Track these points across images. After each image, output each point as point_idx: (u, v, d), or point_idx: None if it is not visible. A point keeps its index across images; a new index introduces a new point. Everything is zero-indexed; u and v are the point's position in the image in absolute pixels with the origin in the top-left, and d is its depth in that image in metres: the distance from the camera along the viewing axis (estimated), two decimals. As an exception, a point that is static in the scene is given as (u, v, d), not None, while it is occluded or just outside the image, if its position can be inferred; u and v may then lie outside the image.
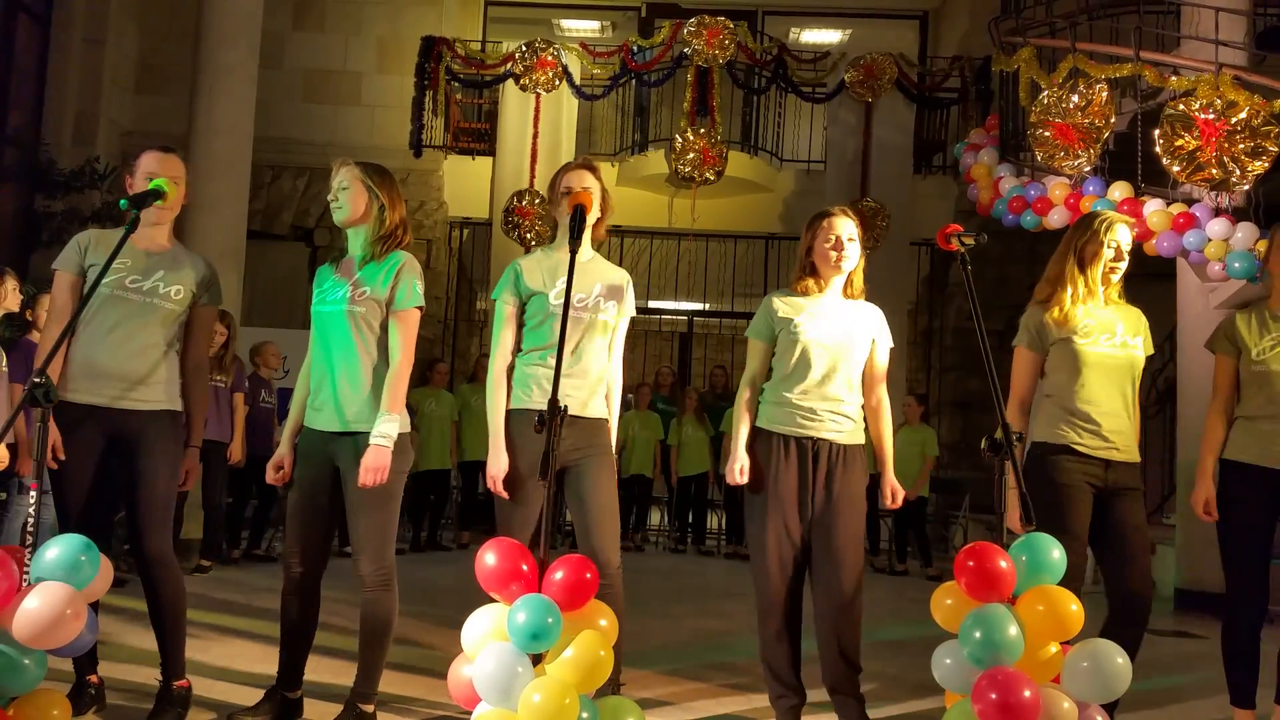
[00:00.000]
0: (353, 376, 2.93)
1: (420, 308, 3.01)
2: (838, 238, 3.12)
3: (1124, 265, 3.13)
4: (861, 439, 3.17)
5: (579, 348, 3.07)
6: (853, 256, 3.14)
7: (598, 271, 3.17)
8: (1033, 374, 3.20)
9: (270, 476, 3.11)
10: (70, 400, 2.94)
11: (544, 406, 2.90)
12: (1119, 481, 3.07)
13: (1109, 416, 3.06)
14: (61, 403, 2.94)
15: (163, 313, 2.99)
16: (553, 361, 2.99)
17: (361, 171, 3.01)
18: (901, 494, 3.19)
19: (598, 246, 3.28)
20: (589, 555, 2.98)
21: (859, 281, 3.22)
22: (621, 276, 3.21)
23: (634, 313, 3.24)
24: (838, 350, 3.10)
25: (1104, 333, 3.10)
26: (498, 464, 3.03)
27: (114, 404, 2.94)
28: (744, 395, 3.24)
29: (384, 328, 2.97)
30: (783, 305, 3.19)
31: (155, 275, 3.00)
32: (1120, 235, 3.12)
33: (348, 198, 2.99)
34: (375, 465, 2.84)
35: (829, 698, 3.11)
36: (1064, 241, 3.20)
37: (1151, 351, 3.18)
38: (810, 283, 3.19)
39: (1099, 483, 3.07)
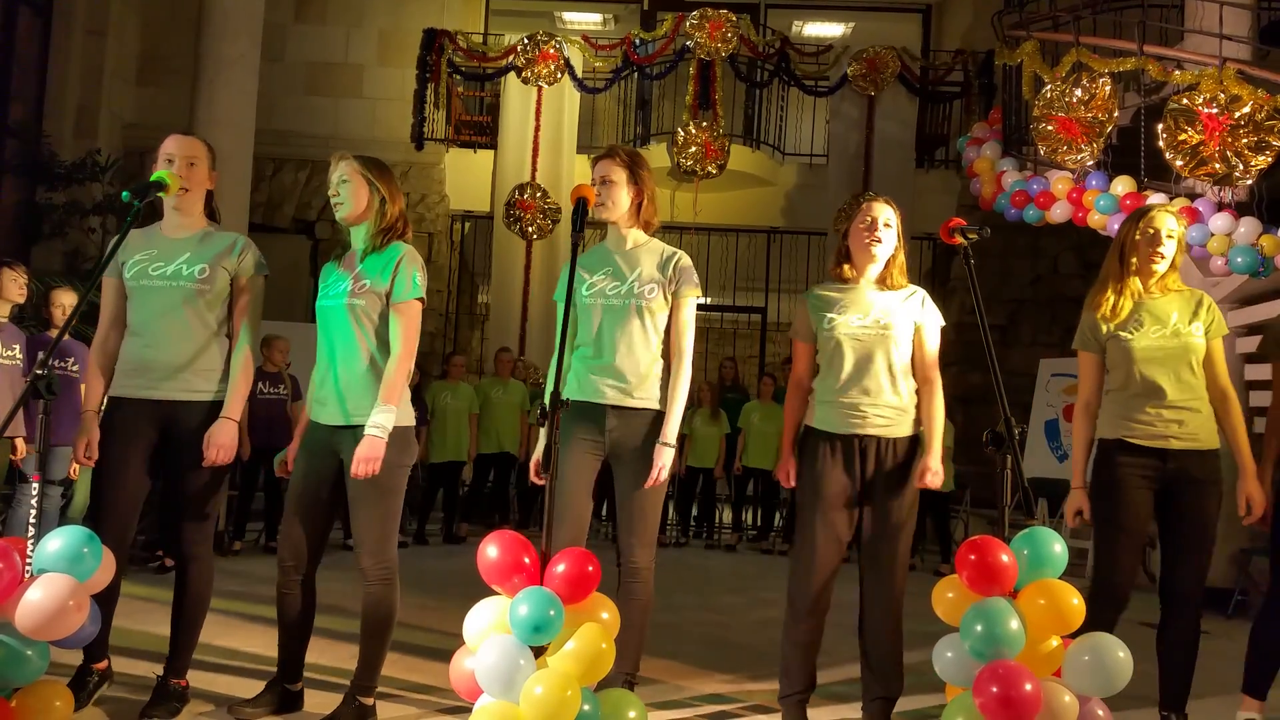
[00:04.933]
0: (352, 369, 2.92)
1: (420, 299, 2.98)
2: (874, 219, 3.07)
3: (1167, 250, 3.12)
4: (917, 429, 3.09)
5: (604, 337, 3.02)
6: (888, 242, 3.08)
7: (640, 257, 3.09)
8: (1095, 375, 3.21)
9: (279, 470, 3.11)
10: (118, 395, 2.97)
11: (575, 397, 2.93)
12: (1184, 472, 3.05)
13: (1166, 406, 3.05)
14: (111, 398, 2.98)
15: (194, 296, 2.97)
16: (589, 353, 3.02)
17: (361, 165, 3.00)
18: (933, 474, 2.99)
19: (651, 232, 3.18)
20: (623, 551, 3.00)
21: (899, 276, 3.13)
22: (669, 256, 3.09)
23: (698, 291, 3.11)
24: (872, 341, 3.03)
25: (1155, 324, 3.10)
26: (537, 453, 3.01)
27: (158, 394, 2.94)
28: (789, 398, 3.20)
29: (384, 320, 2.95)
30: (817, 301, 3.14)
31: (179, 259, 2.99)
32: (1159, 219, 3.13)
33: (349, 192, 2.98)
34: (368, 455, 2.81)
35: (859, 698, 3.12)
36: (1113, 240, 3.24)
37: (1225, 332, 3.14)
38: (846, 269, 3.15)
39: (1157, 474, 3.06)
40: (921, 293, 3.16)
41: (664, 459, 3.02)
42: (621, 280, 3.04)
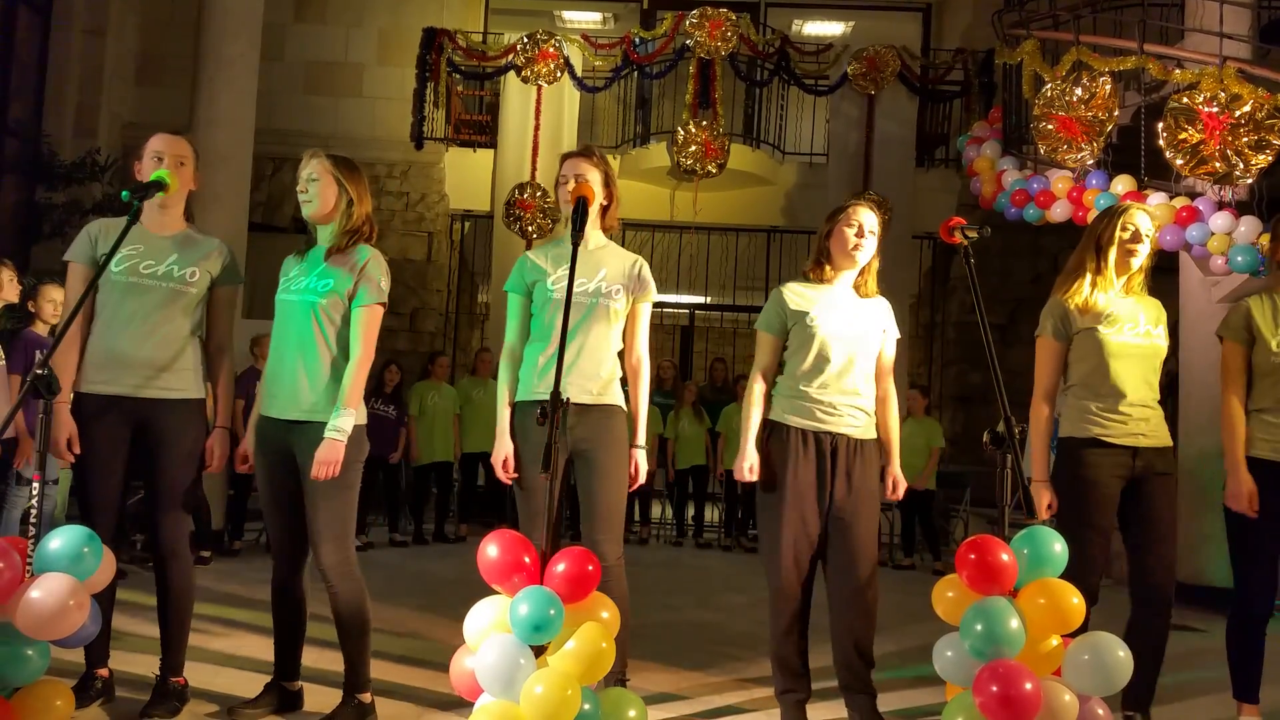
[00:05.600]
0: (311, 367, 2.93)
1: (383, 304, 3.01)
2: (860, 225, 3.09)
3: (1143, 249, 3.13)
4: (875, 433, 3.16)
5: (575, 336, 3.04)
6: (868, 249, 3.11)
7: (605, 259, 3.13)
8: (1056, 364, 3.19)
9: (239, 467, 3.10)
10: (92, 392, 2.94)
11: (541, 396, 2.90)
12: (1148, 467, 3.08)
13: (1135, 405, 3.07)
14: (82, 395, 2.95)
15: (180, 297, 2.99)
16: (549, 350, 3.01)
17: (332, 164, 3.01)
18: (904, 485, 3.18)
19: (610, 235, 3.23)
20: (589, 547, 2.98)
21: (872, 284, 3.18)
22: (633, 262, 3.16)
23: (655, 296, 3.19)
24: (854, 343, 3.08)
25: (1127, 322, 3.11)
26: (499, 452, 3.05)
27: (137, 393, 2.93)
28: (754, 389, 3.18)
29: (345, 321, 2.97)
30: (794, 297, 3.15)
31: (169, 259, 3.00)
32: (1137, 219, 3.13)
33: (317, 190, 2.98)
34: (328, 459, 2.84)
35: (840, 693, 3.10)
36: (1084, 234, 3.23)
37: (1167, 342, 3.17)
38: (825, 270, 3.16)
39: (1127, 472, 3.07)
40: (886, 302, 3.23)
41: (641, 461, 3.12)
42: (587, 278, 3.06)
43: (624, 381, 3.17)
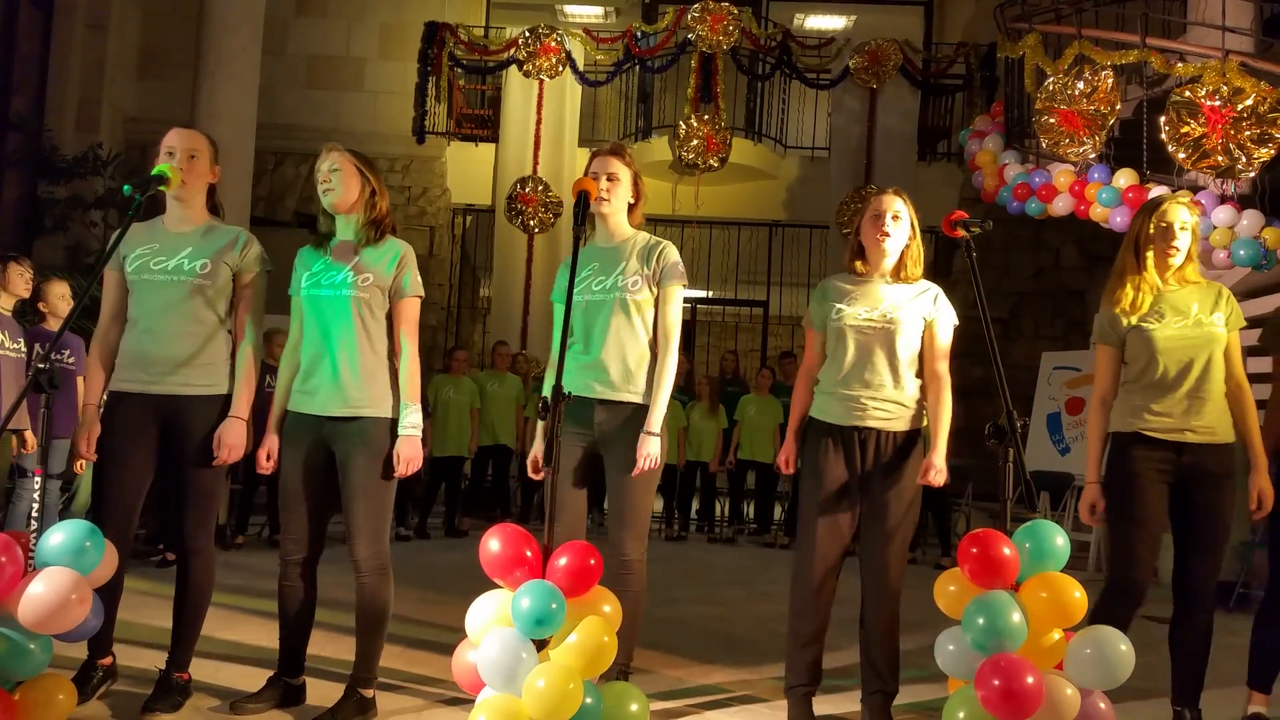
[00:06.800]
0: (354, 361, 2.93)
1: (421, 297, 3.07)
2: (882, 213, 3.06)
3: (1181, 243, 3.05)
4: (919, 424, 3.07)
5: (591, 332, 3.04)
6: (898, 235, 3.06)
7: (626, 251, 3.10)
8: (1112, 369, 3.14)
9: (263, 465, 3.05)
10: (118, 389, 2.97)
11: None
12: (1199, 465, 3.00)
13: (1182, 399, 3.00)
14: (110, 392, 2.98)
15: (199, 291, 2.97)
16: (579, 349, 3.05)
17: (353, 156, 3.03)
18: (937, 472, 2.98)
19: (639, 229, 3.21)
20: (614, 543, 3.01)
21: (914, 268, 3.11)
22: (654, 250, 3.09)
23: (683, 284, 3.11)
24: (875, 333, 3.01)
25: (1176, 315, 3.04)
26: (530, 452, 3.09)
27: (161, 389, 2.94)
28: (798, 386, 3.18)
29: (384, 315, 2.99)
30: (829, 291, 3.13)
31: (181, 253, 2.99)
32: (1174, 214, 3.07)
33: (340, 179, 2.98)
34: (411, 455, 2.92)
35: (859, 690, 3.11)
36: (1126, 234, 3.18)
37: (1243, 324, 3.08)
38: (859, 264, 3.13)
39: (1171, 467, 3.00)
40: (935, 290, 3.13)
41: (650, 448, 2.98)
42: (607, 274, 3.06)
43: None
